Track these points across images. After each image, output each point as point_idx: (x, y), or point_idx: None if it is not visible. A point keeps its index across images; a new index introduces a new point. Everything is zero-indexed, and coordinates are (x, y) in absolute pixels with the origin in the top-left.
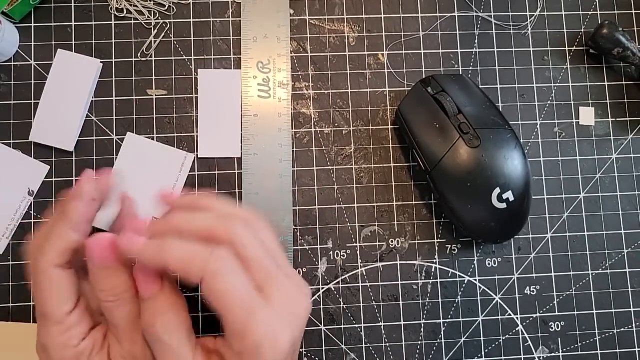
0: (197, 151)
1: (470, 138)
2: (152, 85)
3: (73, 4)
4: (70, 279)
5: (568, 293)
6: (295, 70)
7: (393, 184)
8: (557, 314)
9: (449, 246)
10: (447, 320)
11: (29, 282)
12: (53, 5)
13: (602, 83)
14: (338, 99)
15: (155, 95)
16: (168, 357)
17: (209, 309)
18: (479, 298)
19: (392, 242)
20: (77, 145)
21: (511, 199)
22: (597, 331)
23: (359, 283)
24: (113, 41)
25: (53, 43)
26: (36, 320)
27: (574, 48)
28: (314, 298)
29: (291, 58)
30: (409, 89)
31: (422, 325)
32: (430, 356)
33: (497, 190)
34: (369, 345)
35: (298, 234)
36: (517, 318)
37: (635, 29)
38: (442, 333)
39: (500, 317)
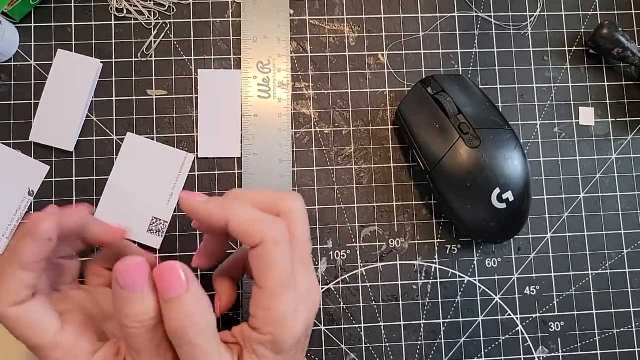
0: (197, 151)
1: (470, 138)
2: (152, 85)
3: (73, 4)
4: (38, 307)
5: (568, 293)
6: (295, 70)
7: (393, 184)
8: (557, 314)
9: (449, 246)
10: (447, 320)
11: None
12: (53, 5)
13: (602, 83)
14: (338, 99)
15: (155, 95)
16: (198, 358)
17: None
18: (478, 298)
19: (392, 242)
20: (77, 145)
21: (511, 199)
22: (597, 331)
23: (358, 283)
24: (113, 41)
25: (53, 43)
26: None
27: (574, 48)
28: None
29: (291, 58)
30: (409, 89)
31: (422, 325)
32: (430, 356)
33: (497, 190)
34: (369, 345)
35: None
36: (517, 318)
37: (635, 29)
38: (442, 333)
39: (500, 317)
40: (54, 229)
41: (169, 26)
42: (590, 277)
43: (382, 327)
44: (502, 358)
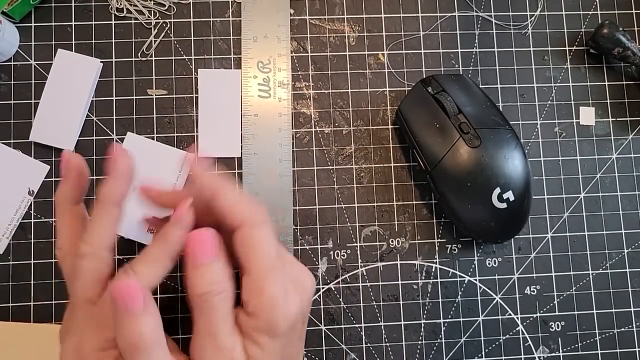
0: (197, 151)
1: (471, 138)
2: (152, 85)
3: (73, 4)
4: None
5: (568, 293)
6: (295, 70)
7: (393, 183)
8: (557, 313)
9: (449, 246)
10: (447, 320)
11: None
12: (53, 5)
13: (602, 83)
14: (338, 98)
15: (155, 95)
16: (214, 324)
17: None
18: (479, 298)
19: (392, 242)
20: (77, 145)
21: (511, 198)
22: (597, 331)
23: (359, 283)
24: (113, 41)
25: (53, 43)
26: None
27: (574, 48)
28: (314, 298)
29: (291, 58)
30: (409, 88)
31: (422, 325)
32: (430, 356)
33: (497, 190)
34: (369, 345)
35: (298, 233)
36: (517, 318)
37: (636, 28)
38: (442, 333)
39: (500, 317)
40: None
41: (169, 26)
42: (591, 276)
43: (382, 327)
44: (503, 358)
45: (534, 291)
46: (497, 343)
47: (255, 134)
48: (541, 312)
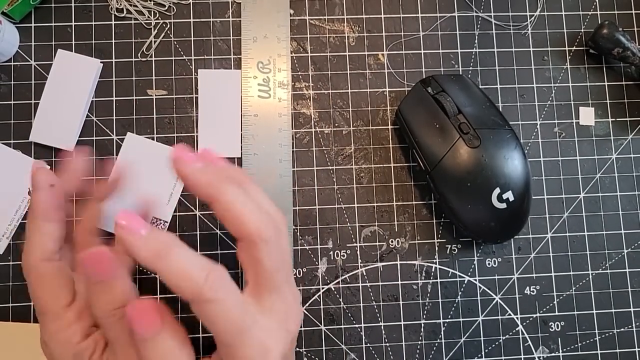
0: (197, 151)
1: (470, 138)
2: (152, 85)
3: (73, 4)
4: (60, 272)
5: (568, 293)
6: (295, 70)
7: (393, 184)
8: (557, 314)
9: (449, 246)
10: (447, 320)
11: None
12: (53, 5)
13: (602, 83)
14: (338, 99)
15: (155, 95)
16: None
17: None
18: (479, 298)
19: (392, 242)
20: (77, 145)
21: (511, 198)
22: (597, 331)
23: (359, 283)
24: (113, 41)
25: (53, 43)
26: (37, 321)
27: (574, 48)
28: (314, 298)
29: (291, 58)
30: (409, 89)
31: (422, 325)
32: (430, 356)
33: (497, 190)
34: (369, 345)
35: (298, 234)
36: (517, 318)
37: (635, 29)
38: (442, 333)
39: (500, 317)
40: (49, 175)
41: (169, 26)
42: (591, 277)
43: (382, 327)
44: (502, 358)
45: (533, 291)
46: (496, 343)
47: (255, 134)
48: (541, 312)
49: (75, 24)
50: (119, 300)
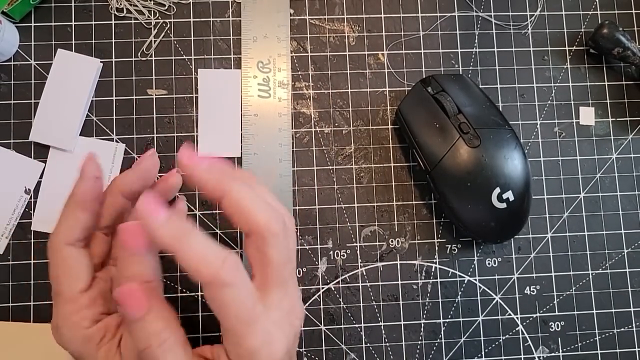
0: (197, 151)
1: (470, 138)
2: (152, 85)
3: (73, 4)
4: (82, 258)
5: (568, 293)
6: (295, 70)
7: (393, 183)
8: (557, 313)
9: (449, 246)
10: (447, 320)
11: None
12: (53, 5)
13: (602, 83)
14: (338, 98)
15: (155, 95)
16: None
17: (208, 309)
18: (479, 298)
19: (392, 241)
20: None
21: (511, 198)
22: (597, 331)
23: (359, 283)
24: (113, 41)
25: (53, 43)
26: (38, 320)
27: (574, 48)
28: (314, 298)
29: (291, 58)
30: (409, 88)
31: (422, 325)
32: (430, 356)
33: (497, 190)
34: (369, 345)
35: (298, 233)
36: (517, 318)
37: (635, 28)
38: (442, 333)
39: (500, 317)
40: (97, 167)
41: (169, 26)
42: (591, 276)
43: (382, 327)
44: (502, 358)
45: (533, 291)
46: (496, 343)
47: (255, 134)
48: (541, 312)
49: (75, 23)
50: (149, 273)
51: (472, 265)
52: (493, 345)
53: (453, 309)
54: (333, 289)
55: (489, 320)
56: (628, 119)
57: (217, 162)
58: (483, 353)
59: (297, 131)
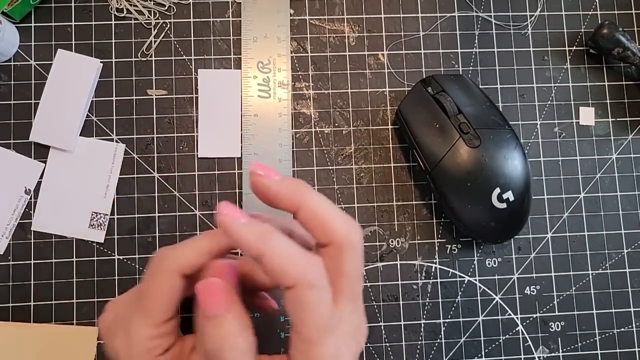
0: (197, 151)
1: (470, 138)
2: (152, 85)
3: (73, 4)
4: (181, 291)
5: (568, 293)
6: (295, 70)
7: (393, 184)
8: (557, 313)
9: (449, 246)
10: (447, 320)
11: (142, 279)
12: (53, 5)
13: (602, 83)
14: (338, 99)
15: (155, 95)
16: None
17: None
18: (479, 298)
19: (392, 242)
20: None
21: (511, 198)
22: (597, 331)
23: None
24: (113, 41)
25: (53, 43)
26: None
27: (574, 48)
28: None
29: (291, 58)
30: (409, 89)
31: (422, 325)
32: (430, 356)
33: (497, 190)
34: (369, 345)
35: None
36: (517, 318)
37: (635, 29)
38: (442, 333)
39: (500, 317)
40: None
41: (169, 26)
42: (591, 277)
43: (382, 327)
44: (502, 358)
45: (533, 291)
46: (496, 343)
47: (255, 134)
48: (541, 312)
49: (75, 23)
50: (234, 330)
51: (472, 266)
52: (493, 346)
53: (453, 309)
54: None
55: (489, 320)
56: (628, 119)
57: (287, 177)
58: (483, 353)
59: (297, 131)
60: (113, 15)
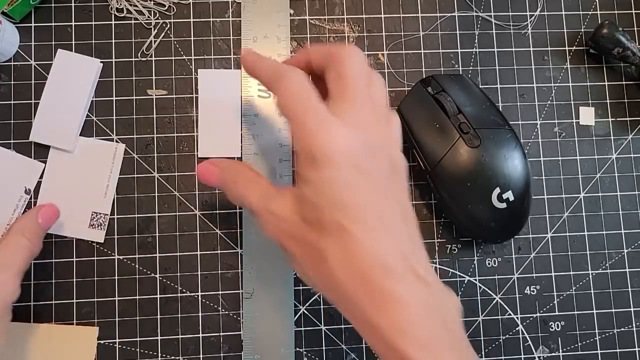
0: (197, 151)
1: (470, 138)
2: (152, 85)
3: (73, 4)
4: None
5: (568, 293)
6: None
7: None
8: (557, 313)
9: (449, 246)
10: None
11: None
12: (53, 5)
13: (602, 83)
14: None
15: (155, 95)
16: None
17: (208, 309)
18: (479, 298)
19: None
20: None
21: (511, 198)
22: (597, 331)
23: None
24: (113, 41)
25: (53, 43)
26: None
27: (574, 48)
28: (314, 298)
29: None
30: (409, 88)
31: None
32: None
33: (497, 190)
34: (369, 345)
35: None
36: (517, 318)
37: (635, 28)
38: None
39: (500, 317)
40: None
41: (169, 26)
42: (591, 276)
43: None
44: (503, 358)
45: (533, 291)
46: (497, 343)
47: (255, 134)
48: (541, 312)
49: (75, 23)
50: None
51: (472, 265)
52: (493, 345)
53: None
54: None
55: (489, 320)
56: (628, 119)
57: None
58: (483, 353)
59: None
60: (113, 15)
